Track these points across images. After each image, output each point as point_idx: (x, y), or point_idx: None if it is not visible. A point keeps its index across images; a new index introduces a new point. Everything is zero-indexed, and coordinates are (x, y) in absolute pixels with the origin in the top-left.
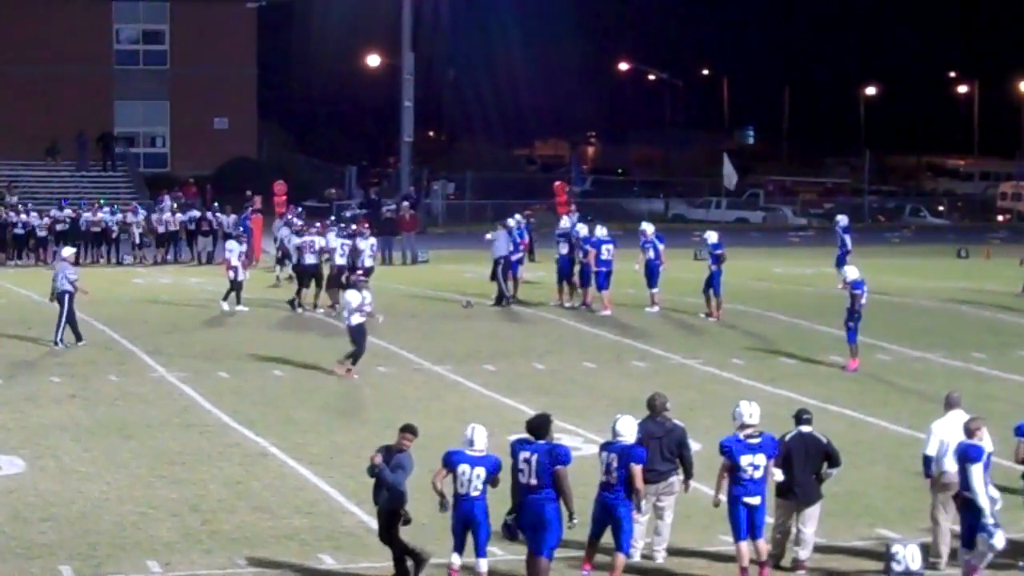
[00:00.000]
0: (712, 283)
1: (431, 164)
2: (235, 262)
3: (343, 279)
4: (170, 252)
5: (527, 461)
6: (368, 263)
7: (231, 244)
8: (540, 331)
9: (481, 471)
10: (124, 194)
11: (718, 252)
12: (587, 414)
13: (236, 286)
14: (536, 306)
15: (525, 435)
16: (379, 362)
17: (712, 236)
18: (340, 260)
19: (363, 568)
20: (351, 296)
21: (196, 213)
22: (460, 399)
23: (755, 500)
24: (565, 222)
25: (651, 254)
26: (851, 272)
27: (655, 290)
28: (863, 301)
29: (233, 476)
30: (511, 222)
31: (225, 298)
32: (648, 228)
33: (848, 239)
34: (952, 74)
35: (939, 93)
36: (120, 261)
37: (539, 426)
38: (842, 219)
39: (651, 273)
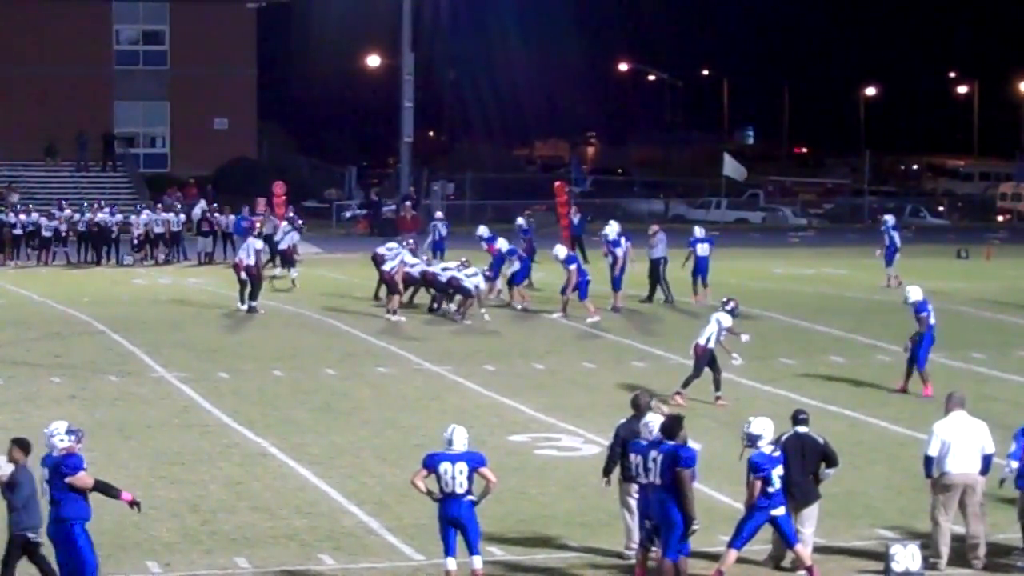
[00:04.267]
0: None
1: (431, 164)
2: (249, 261)
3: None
4: (172, 253)
5: (654, 460)
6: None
7: (256, 242)
8: (540, 331)
9: (463, 466)
10: (124, 195)
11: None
12: (587, 414)
13: (254, 284)
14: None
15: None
16: (379, 362)
17: (698, 230)
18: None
19: (363, 568)
20: None
21: (199, 212)
22: (460, 399)
23: (781, 511)
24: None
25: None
26: (914, 293)
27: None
28: (932, 322)
29: (233, 476)
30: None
31: (244, 300)
32: (611, 230)
33: (897, 236)
34: (952, 74)
35: (939, 93)
36: (120, 262)
37: (671, 427)
38: (889, 218)
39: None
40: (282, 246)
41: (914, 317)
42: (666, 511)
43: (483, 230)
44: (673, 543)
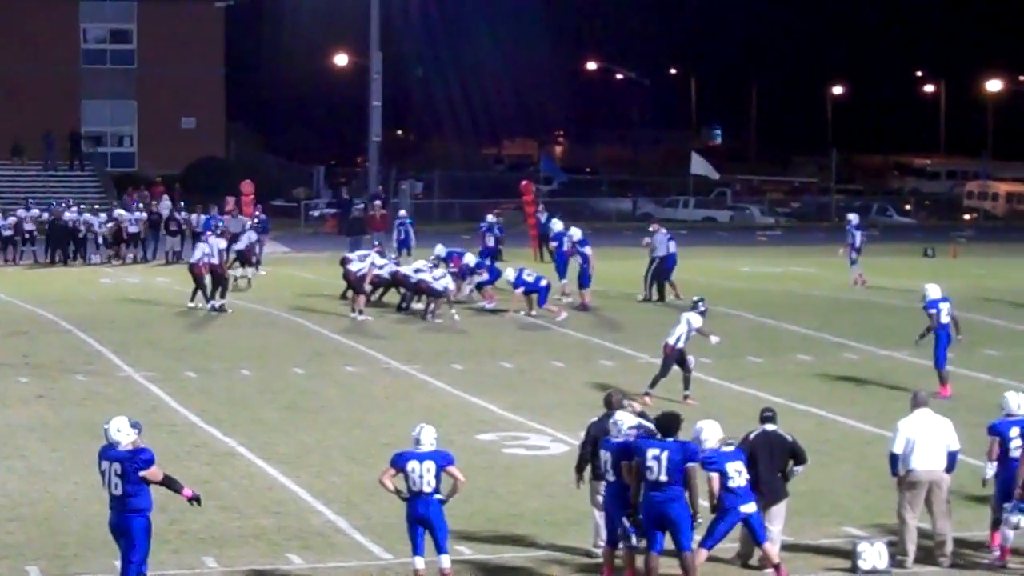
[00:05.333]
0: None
1: (399, 163)
2: (214, 260)
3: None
4: (141, 252)
5: (656, 458)
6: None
7: (219, 241)
8: (508, 331)
9: (431, 465)
10: (92, 194)
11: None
12: (555, 413)
13: (222, 284)
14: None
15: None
16: (347, 361)
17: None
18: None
19: (331, 567)
20: None
21: (165, 211)
22: (429, 398)
23: (751, 507)
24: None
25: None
26: (931, 291)
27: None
28: (943, 320)
29: (201, 476)
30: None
31: (195, 298)
32: (576, 232)
33: (859, 236)
34: (919, 73)
35: (906, 92)
36: (88, 261)
37: (670, 424)
38: (853, 217)
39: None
40: (239, 246)
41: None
42: (678, 507)
43: (440, 249)
44: (688, 536)
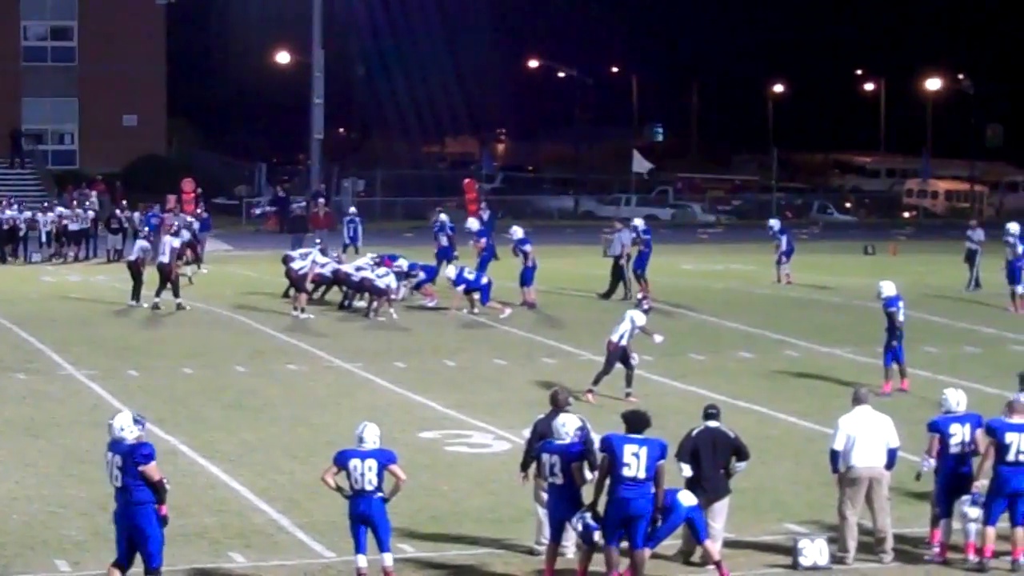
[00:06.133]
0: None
1: (341, 161)
2: (163, 259)
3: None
4: (83, 250)
5: (635, 455)
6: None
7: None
8: (450, 328)
9: (373, 463)
10: (32, 191)
11: (646, 236)
12: (498, 411)
13: (171, 283)
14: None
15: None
16: (289, 359)
17: (639, 222)
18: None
19: (273, 566)
20: None
21: (94, 211)
22: (371, 396)
23: (692, 500)
24: (473, 223)
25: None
26: (887, 288)
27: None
28: (901, 318)
29: None
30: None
31: (137, 296)
32: (517, 231)
33: (784, 240)
34: (858, 72)
35: (846, 91)
36: (28, 259)
37: (642, 420)
38: (774, 223)
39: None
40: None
41: (883, 313)
42: (648, 503)
43: (365, 261)
44: (645, 534)
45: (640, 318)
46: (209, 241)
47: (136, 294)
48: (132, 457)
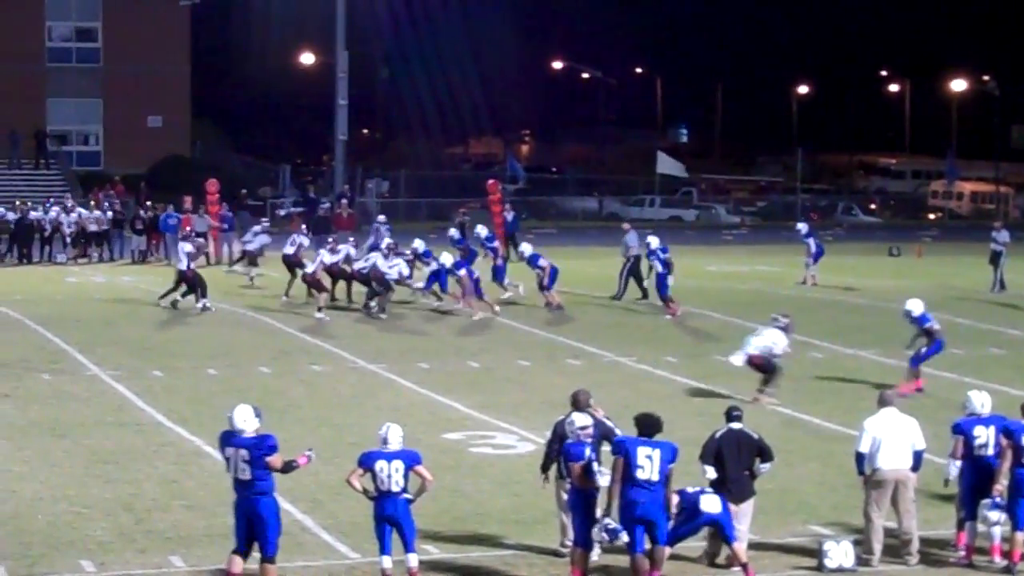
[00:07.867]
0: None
1: (365, 162)
2: (181, 266)
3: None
4: (106, 251)
5: (649, 457)
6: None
7: (185, 245)
8: (474, 330)
9: (400, 464)
10: (57, 192)
11: (665, 256)
12: (522, 412)
13: (190, 286)
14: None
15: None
16: (313, 360)
17: (654, 241)
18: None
19: (298, 567)
20: None
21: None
22: (395, 397)
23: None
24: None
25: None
26: (915, 307)
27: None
28: (937, 326)
29: (167, 475)
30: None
31: (199, 298)
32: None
33: (812, 243)
34: (884, 73)
35: (870, 92)
36: (53, 260)
37: (654, 424)
38: (802, 226)
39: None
40: (252, 247)
41: (919, 330)
42: (661, 507)
43: (418, 244)
44: (666, 531)
45: (780, 339)
46: (233, 242)
47: (201, 294)
48: (259, 449)
